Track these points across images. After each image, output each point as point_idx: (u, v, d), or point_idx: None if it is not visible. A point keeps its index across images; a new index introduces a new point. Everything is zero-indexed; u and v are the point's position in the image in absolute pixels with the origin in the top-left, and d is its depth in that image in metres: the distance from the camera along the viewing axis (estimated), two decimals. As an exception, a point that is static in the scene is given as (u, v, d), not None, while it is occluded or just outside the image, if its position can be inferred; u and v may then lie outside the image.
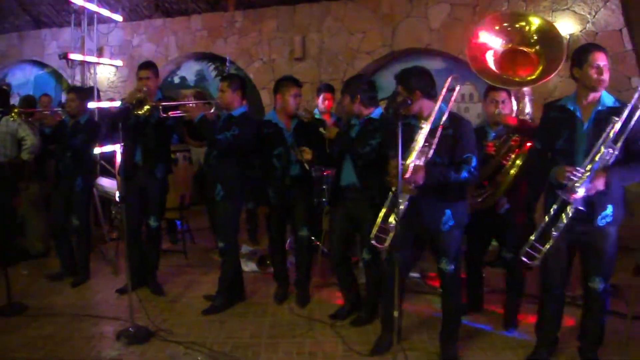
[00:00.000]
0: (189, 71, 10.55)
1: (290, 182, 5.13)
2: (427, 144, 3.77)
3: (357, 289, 5.03)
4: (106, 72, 10.31)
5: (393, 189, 3.74)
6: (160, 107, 5.12)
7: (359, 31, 8.90)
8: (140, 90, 5.16)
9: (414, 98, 3.87)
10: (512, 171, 4.49)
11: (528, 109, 4.88)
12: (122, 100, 5.47)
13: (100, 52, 8.72)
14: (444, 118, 3.81)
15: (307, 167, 5.04)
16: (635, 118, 3.45)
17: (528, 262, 3.71)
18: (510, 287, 4.76)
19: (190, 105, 5.16)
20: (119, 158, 6.72)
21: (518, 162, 4.47)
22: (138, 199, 5.45)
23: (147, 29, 10.20)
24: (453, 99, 3.89)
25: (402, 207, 3.73)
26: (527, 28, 5.00)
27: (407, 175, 3.69)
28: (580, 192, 3.48)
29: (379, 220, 3.93)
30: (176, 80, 10.61)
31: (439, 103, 3.86)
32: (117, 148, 6.77)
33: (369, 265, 4.78)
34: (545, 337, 4.01)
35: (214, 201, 5.08)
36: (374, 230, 3.95)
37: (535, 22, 4.98)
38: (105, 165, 7.07)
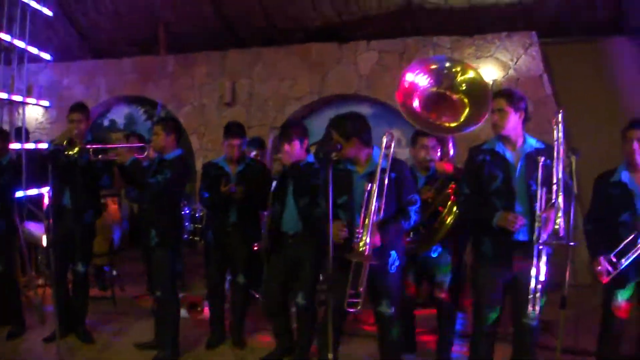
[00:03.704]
0: (119, 114, 10.41)
1: (230, 227, 5.17)
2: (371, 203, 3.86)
3: (291, 334, 5.03)
4: (35, 112, 10.05)
5: (354, 260, 3.82)
6: (91, 150, 5.06)
7: (289, 77, 9.02)
8: (71, 132, 5.10)
9: (351, 144, 3.98)
10: (449, 219, 4.60)
11: (452, 152, 5.03)
12: (51, 141, 5.37)
13: (28, 92, 8.51)
14: (387, 170, 3.91)
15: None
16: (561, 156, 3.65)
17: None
18: (443, 327, 4.86)
19: (122, 148, 5.10)
20: (46, 201, 6.60)
21: (455, 209, 4.57)
22: (64, 243, 5.30)
23: (78, 70, 10.04)
24: (391, 154, 3.97)
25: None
26: (458, 75, 5.15)
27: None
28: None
29: (348, 288, 3.91)
30: (105, 122, 10.46)
31: (382, 151, 3.93)
32: (44, 191, 6.67)
33: (305, 310, 4.76)
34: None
35: (148, 247, 4.99)
36: (346, 298, 3.90)
37: (468, 71, 5.11)
38: (32, 208, 6.87)
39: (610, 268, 3.82)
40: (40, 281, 6.97)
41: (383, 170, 3.91)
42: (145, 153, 5.08)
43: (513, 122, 3.86)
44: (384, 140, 3.93)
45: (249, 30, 9.25)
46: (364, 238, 3.78)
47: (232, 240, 5.22)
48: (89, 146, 5.03)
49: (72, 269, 5.41)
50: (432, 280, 4.92)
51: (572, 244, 3.59)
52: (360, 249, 3.78)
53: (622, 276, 3.86)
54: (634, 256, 3.77)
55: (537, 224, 3.65)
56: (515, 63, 7.83)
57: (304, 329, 4.85)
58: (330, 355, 3.70)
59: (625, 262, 3.78)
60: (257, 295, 6.16)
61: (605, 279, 3.86)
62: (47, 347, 5.25)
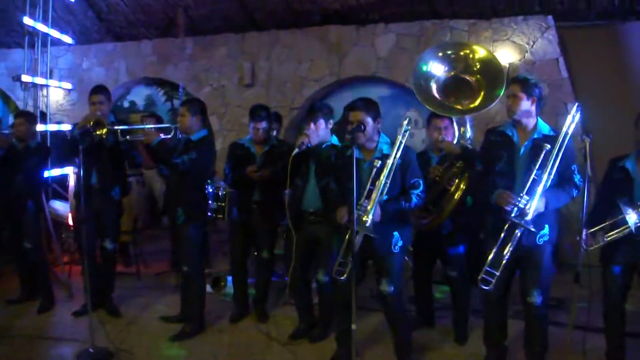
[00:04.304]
0: (139, 96, 10.56)
1: (254, 204, 5.33)
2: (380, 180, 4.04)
3: (313, 310, 5.22)
4: (55, 95, 10.16)
5: (360, 231, 3.97)
6: (119, 131, 5.22)
7: (307, 59, 9.11)
8: (94, 114, 5.24)
9: (376, 125, 4.17)
10: (457, 195, 4.76)
11: (469, 134, 5.16)
12: (75, 125, 5.51)
13: (50, 75, 8.65)
14: (399, 150, 4.09)
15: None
16: (564, 145, 3.82)
17: (485, 288, 3.97)
18: (457, 303, 5.03)
19: (148, 129, 5.26)
20: (71, 181, 6.79)
21: (462, 186, 4.74)
22: (93, 221, 5.47)
23: (98, 53, 10.18)
24: (405, 139, 4.15)
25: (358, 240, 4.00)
26: (470, 57, 5.29)
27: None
28: (531, 215, 3.79)
29: (340, 256, 4.14)
30: (125, 104, 10.60)
31: (399, 138, 4.12)
32: (69, 171, 6.86)
33: (324, 286, 4.94)
34: (494, 347, 4.29)
35: (175, 225, 5.16)
36: (335, 266, 4.13)
37: (478, 51, 5.29)
38: (58, 188, 7.05)
39: (592, 240, 4.02)
40: (66, 258, 7.16)
41: (387, 156, 4.11)
42: (172, 133, 5.21)
43: (525, 107, 4.00)
44: (404, 123, 4.11)
45: (266, 13, 9.31)
46: (369, 211, 3.95)
47: (255, 217, 5.38)
48: (117, 127, 5.19)
49: (101, 246, 5.58)
50: (444, 258, 5.08)
51: (532, 229, 3.83)
52: (364, 220, 3.94)
53: (614, 254, 4.06)
54: (616, 236, 3.92)
55: (520, 203, 3.81)
56: (532, 47, 7.87)
57: (326, 305, 5.03)
58: (353, 326, 3.87)
59: (606, 240, 3.95)
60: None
61: (584, 248, 4.03)
62: (76, 321, 5.44)
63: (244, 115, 8.88)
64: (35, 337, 5.06)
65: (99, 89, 5.54)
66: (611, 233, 3.94)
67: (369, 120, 4.15)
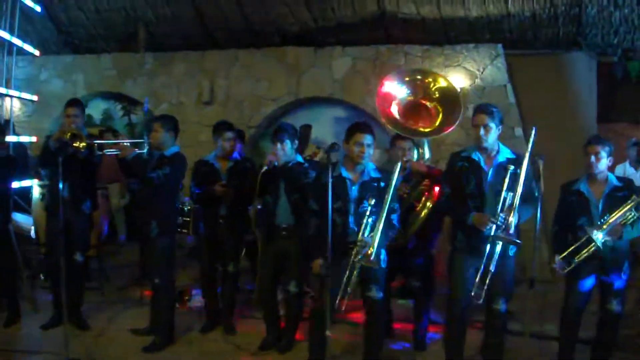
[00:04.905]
0: (96, 109, 10.50)
1: (220, 219, 5.52)
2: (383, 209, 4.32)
3: (279, 321, 5.40)
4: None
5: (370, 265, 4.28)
6: (96, 145, 5.33)
7: (265, 79, 9.31)
8: (69, 127, 5.33)
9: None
10: (423, 213, 5.08)
11: (427, 154, 5.51)
12: (47, 137, 5.58)
13: (7, 85, 8.58)
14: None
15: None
16: (525, 167, 4.19)
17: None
18: (418, 312, 5.34)
19: (124, 143, 5.38)
20: (35, 193, 6.81)
21: (428, 204, 5.06)
22: (64, 234, 5.49)
23: (56, 64, 10.06)
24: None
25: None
26: (431, 85, 5.66)
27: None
28: (513, 229, 4.13)
29: (343, 287, 4.34)
30: (82, 117, 10.52)
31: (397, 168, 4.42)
32: (32, 184, 6.87)
33: (296, 298, 5.17)
34: (453, 353, 4.57)
35: (148, 238, 5.27)
36: (340, 295, 4.34)
37: (439, 80, 5.66)
38: (19, 201, 7.03)
39: (565, 264, 4.42)
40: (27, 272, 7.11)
41: (377, 180, 4.48)
42: (145, 148, 5.34)
43: (495, 136, 4.36)
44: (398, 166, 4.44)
45: (227, 32, 9.50)
46: (373, 244, 4.24)
47: (222, 231, 5.55)
48: (95, 142, 5.30)
49: (71, 258, 5.56)
50: (406, 271, 5.39)
51: (518, 241, 4.18)
52: (370, 254, 4.22)
53: (582, 269, 4.42)
54: (585, 255, 4.33)
55: (496, 221, 4.14)
56: (482, 73, 8.34)
57: (293, 315, 5.27)
58: (328, 332, 4.14)
59: (577, 260, 4.34)
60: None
61: (559, 274, 4.47)
62: (45, 334, 5.47)
63: (202, 132, 9.03)
64: (6, 351, 5.09)
65: (75, 102, 5.62)
66: (581, 254, 4.34)
67: (373, 143, 4.49)
